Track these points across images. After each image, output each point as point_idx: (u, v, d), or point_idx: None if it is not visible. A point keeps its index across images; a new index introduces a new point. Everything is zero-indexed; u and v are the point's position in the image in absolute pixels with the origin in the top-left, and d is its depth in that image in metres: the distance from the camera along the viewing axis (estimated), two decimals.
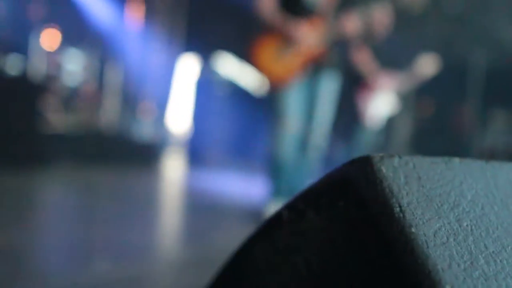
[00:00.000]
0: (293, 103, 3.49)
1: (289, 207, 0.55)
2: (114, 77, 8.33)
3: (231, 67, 8.99)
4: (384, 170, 0.46)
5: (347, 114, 5.09)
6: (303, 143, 3.51)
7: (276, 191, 3.52)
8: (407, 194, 0.46)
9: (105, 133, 7.38)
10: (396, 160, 0.48)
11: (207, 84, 8.39)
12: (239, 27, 11.85)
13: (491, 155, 9.87)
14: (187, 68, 12.71)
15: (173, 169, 7.92)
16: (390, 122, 9.81)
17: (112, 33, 8.96)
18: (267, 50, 3.49)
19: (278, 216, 0.57)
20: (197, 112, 8.70)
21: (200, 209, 3.96)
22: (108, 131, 7.73)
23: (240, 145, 10.73)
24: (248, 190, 3.63)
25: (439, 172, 0.50)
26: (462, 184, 0.51)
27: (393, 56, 5.94)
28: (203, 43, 12.10)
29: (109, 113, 8.21)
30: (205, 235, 2.93)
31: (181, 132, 11.99)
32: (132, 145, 7.45)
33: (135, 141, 8.13)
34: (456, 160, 0.53)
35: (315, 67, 3.52)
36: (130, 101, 12.10)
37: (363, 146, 5.40)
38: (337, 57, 3.64)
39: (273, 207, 3.45)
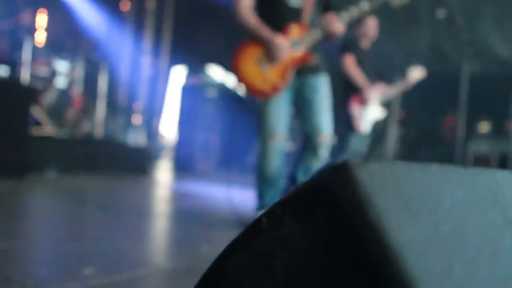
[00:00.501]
0: (276, 113, 3.43)
1: (269, 214, 0.54)
2: (103, 84, 8.30)
3: (219, 76, 9.00)
4: (361, 176, 0.46)
5: (339, 122, 5.10)
6: (312, 146, 3.44)
7: (262, 202, 3.50)
8: (384, 200, 0.46)
9: (94, 140, 7.36)
10: (373, 166, 0.48)
11: (195, 92, 8.36)
12: (228, 37, 11.90)
13: (479, 163, 9.93)
14: (176, 76, 12.72)
15: (162, 176, 7.90)
16: (379, 131, 9.86)
17: (102, 40, 8.95)
18: (248, 59, 3.42)
19: (257, 223, 0.56)
20: (184, 120, 8.66)
21: (188, 217, 3.95)
22: (97, 137, 7.70)
23: (229, 153, 10.72)
24: (236, 198, 3.62)
25: (417, 178, 0.50)
26: (440, 191, 0.51)
27: (382, 65, 6.00)
28: (191, 53, 12.12)
29: (98, 120, 8.18)
30: (193, 244, 2.92)
31: (169, 140, 11.98)
32: (121, 152, 7.43)
33: (124, 148, 8.11)
34: (434, 166, 0.53)
35: (300, 71, 3.45)
36: (119, 108, 12.08)
37: (355, 154, 5.44)
38: (324, 60, 3.59)
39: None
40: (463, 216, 0.50)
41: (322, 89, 3.50)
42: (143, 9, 12.45)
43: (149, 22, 12.48)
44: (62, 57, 7.22)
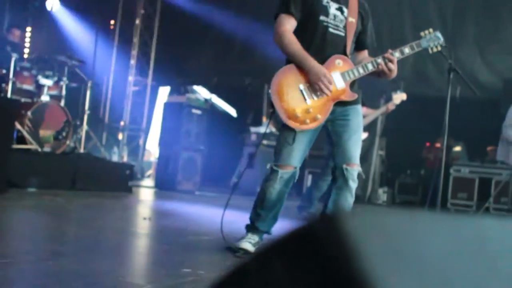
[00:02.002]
0: (300, 145, 3.37)
1: (257, 257, 0.55)
2: (87, 100, 8.27)
3: (203, 95, 9.00)
4: (348, 226, 0.47)
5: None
6: (344, 176, 3.36)
7: (256, 225, 3.48)
8: (371, 250, 0.46)
9: (77, 156, 7.31)
10: (361, 215, 0.49)
11: (178, 110, 8.34)
12: (212, 59, 11.97)
13: (460, 186, 10.01)
14: (161, 94, 12.72)
15: (144, 194, 7.86)
16: (362, 153, 9.91)
17: (88, 57, 8.93)
18: (292, 85, 3.29)
19: (246, 264, 0.57)
20: (166, 138, 8.62)
21: (170, 237, 3.93)
22: (80, 153, 7.66)
23: (214, 171, 10.70)
24: (221, 219, 3.61)
25: (405, 227, 0.51)
26: (428, 239, 0.51)
27: (365, 89, 6.09)
28: (176, 71, 12.15)
29: (81, 136, 8.14)
30: (174, 265, 2.90)
31: (152, 157, 11.94)
32: (104, 168, 7.39)
33: (107, 164, 8.07)
34: (423, 213, 0.54)
35: (337, 104, 3.37)
36: (103, 124, 12.03)
37: None
38: (358, 92, 3.51)
39: (248, 241, 3.41)
40: (450, 265, 0.51)
41: (354, 121, 3.45)
42: (130, 27, 12.49)
43: (136, 41, 12.50)
44: (47, 73, 7.20)
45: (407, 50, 3.45)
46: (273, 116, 3.38)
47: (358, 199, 10.11)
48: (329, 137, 3.48)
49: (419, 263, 0.49)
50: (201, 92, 9.06)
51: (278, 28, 3.36)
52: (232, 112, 10.03)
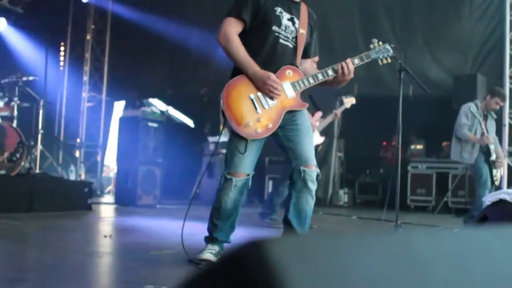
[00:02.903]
0: (252, 154, 3.37)
1: (187, 284, 0.55)
2: (41, 119, 8.12)
3: (160, 108, 8.94)
4: (273, 253, 0.47)
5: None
6: (302, 178, 3.37)
7: (215, 235, 3.47)
8: (295, 276, 0.46)
9: (32, 176, 7.16)
10: (285, 241, 0.49)
11: (134, 124, 8.25)
12: (167, 70, 11.91)
13: (419, 182, 10.19)
14: (117, 109, 12.58)
15: (104, 211, 7.75)
16: (320, 156, 10.00)
17: (40, 75, 8.76)
18: (243, 95, 3.29)
19: None
20: (123, 152, 8.50)
21: (132, 254, 3.88)
22: (35, 174, 7.51)
23: (174, 184, 10.63)
24: (181, 232, 3.58)
25: (330, 250, 0.50)
26: (355, 259, 0.51)
27: (319, 94, 6.19)
28: (131, 85, 12.04)
29: (36, 156, 7.98)
30: (137, 283, 2.87)
31: (112, 173, 11.78)
32: (61, 187, 7.25)
33: (64, 183, 7.93)
34: (349, 235, 0.54)
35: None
36: (58, 143, 11.81)
37: None
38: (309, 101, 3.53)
39: (209, 252, 3.40)
40: (380, 282, 0.51)
41: (304, 124, 3.46)
42: (81, 43, 12.33)
43: (88, 56, 12.35)
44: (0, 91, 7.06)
45: (356, 61, 3.51)
46: (226, 124, 3.38)
47: (320, 202, 10.19)
48: (281, 144, 3.49)
49: (346, 285, 0.49)
50: (157, 105, 9.00)
51: (225, 30, 3.33)
52: (190, 123, 9.99)
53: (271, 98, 3.29)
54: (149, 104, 8.86)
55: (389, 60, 3.72)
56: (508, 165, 8.95)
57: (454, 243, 0.58)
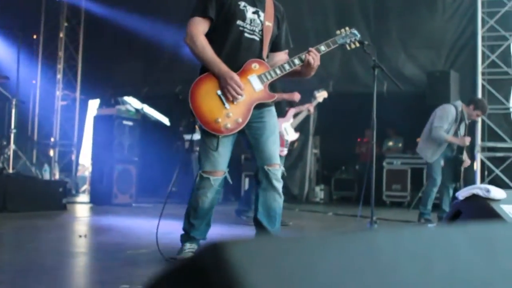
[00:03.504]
0: (225, 150, 3.37)
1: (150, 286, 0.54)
2: (13, 119, 8.02)
3: (135, 106, 8.89)
4: (232, 256, 0.47)
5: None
6: (267, 177, 3.38)
7: (192, 234, 3.46)
8: (256, 278, 0.46)
9: (5, 176, 7.06)
10: (245, 244, 0.49)
11: (109, 123, 8.18)
12: (141, 68, 11.82)
13: (394, 178, 10.28)
14: (90, 109, 12.46)
15: (80, 211, 7.68)
16: (296, 153, 10.04)
17: (11, 74, 8.63)
18: (210, 93, 3.28)
19: None
20: (98, 151, 8.43)
21: (108, 254, 3.85)
22: (9, 174, 7.41)
23: (150, 182, 10.57)
24: (156, 232, 3.56)
25: (291, 253, 0.50)
26: (317, 261, 0.51)
27: (293, 89, 6.20)
28: (105, 83, 11.93)
29: (9, 156, 7.87)
30: (113, 283, 2.85)
31: (87, 172, 11.68)
32: (35, 187, 7.16)
33: (38, 183, 7.84)
34: (311, 236, 0.54)
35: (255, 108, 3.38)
36: (31, 142, 11.66)
37: None
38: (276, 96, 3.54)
39: (190, 251, 3.40)
40: (343, 283, 0.51)
41: (270, 122, 3.47)
42: (54, 41, 12.18)
43: (61, 54, 12.21)
44: None
45: (322, 47, 3.52)
46: (196, 123, 3.36)
47: (296, 199, 10.23)
48: (247, 141, 3.50)
49: (308, 286, 0.49)
50: (132, 103, 8.95)
51: (191, 31, 3.34)
52: (165, 120, 9.94)
53: (229, 99, 3.29)
54: (124, 102, 8.81)
55: (357, 44, 3.74)
56: (481, 160, 9.07)
57: (418, 242, 0.59)
